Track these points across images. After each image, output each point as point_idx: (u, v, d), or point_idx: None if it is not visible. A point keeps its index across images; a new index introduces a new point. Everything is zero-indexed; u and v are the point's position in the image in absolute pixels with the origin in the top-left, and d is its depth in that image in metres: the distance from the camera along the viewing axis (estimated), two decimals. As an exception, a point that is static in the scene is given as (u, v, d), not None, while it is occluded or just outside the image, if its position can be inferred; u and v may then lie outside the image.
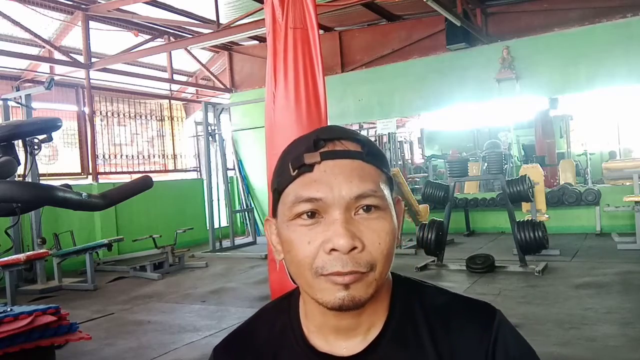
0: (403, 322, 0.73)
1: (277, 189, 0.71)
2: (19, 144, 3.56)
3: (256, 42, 10.39)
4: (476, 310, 0.74)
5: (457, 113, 10.37)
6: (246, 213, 9.91)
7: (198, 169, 11.02)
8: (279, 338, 0.77)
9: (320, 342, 0.74)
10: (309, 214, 0.66)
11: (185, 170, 11.00)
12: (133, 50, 8.66)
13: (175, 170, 10.73)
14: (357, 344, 0.72)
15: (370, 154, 0.70)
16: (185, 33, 9.52)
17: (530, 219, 6.09)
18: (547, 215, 6.81)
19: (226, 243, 8.70)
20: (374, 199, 0.67)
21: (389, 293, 0.74)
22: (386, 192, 0.69)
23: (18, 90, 7.46)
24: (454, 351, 0.70)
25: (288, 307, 0.79)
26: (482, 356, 0.70)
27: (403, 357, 0.71)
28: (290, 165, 0.69)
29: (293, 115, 3.85)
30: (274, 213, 0.73)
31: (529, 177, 6.23)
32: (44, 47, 8.21)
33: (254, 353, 0.78)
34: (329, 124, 4.44)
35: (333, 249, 0.64)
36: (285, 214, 0.69)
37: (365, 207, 0.66)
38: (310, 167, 0.67)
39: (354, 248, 0.64)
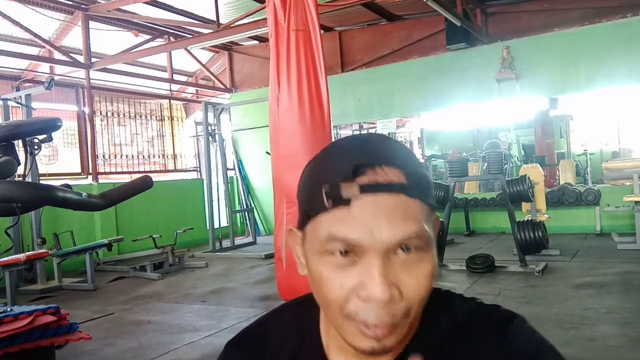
0: (428, 343, 0.69)
1: (307, 213, 0.64)
2: (19, 144, 3.56)
3: (256, 42, 10.39)
4: (495, 318, 0.70)
5: (457, 113, 10.37)
6: (246, 213, 9.92)
7: (198, 169, 11.03)
8: (296, 347, 0.74)
9: None
10: (343, 252, 0.61)
11: (185, 170, 11.00)
12: (133, 50, 8.66)
13: (175, 170, 10.73)
14: None
15: (415, 185, 0.62)
16: (185, 33, 9.52)
17: (530, 219, 6.09)
18: (547, 215, 6.81)
19: (226, 243, 8.70)
20: (416, 240, 0.60)
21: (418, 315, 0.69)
22: (429, 227, 0.62)
23: (18, 90, 7.46)
24: None
25: (308, 315, 0.75)
26: None
27: None
28: (323, 193, 0.61)
29: (297, 117, 3.86)
30: (300, 226, 0.67)
31: (529, 177, 6.23)
32: (44, 47, 8.21)
33: (268, 354, 0.75)
34: (331, 124, 4.44)
35: (369, 298, 0.59)
36: (315, 244, 0.63)
37: (404, 248, 0.60)
38: (347, 201, 0.60)
39: (391, 297, 0.59)
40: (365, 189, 0.60)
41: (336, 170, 0.62)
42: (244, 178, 10.71)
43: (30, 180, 5.71)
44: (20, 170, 3.48)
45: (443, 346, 0.69)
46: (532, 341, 0.68)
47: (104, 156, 9.25)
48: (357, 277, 0.60)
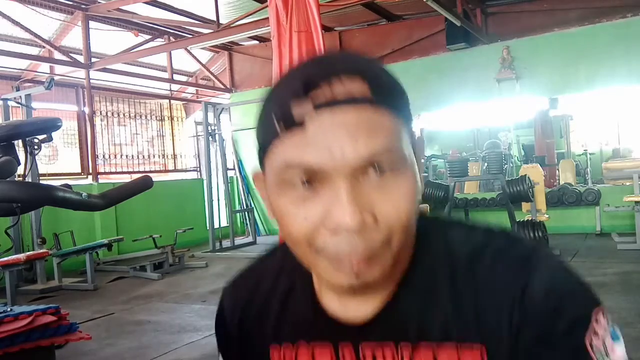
0: (424, 283, 0.60)
1: (262, 146, 0.56)
2: (19, 144, 3.56)
3: (256, 42, 10.39)
4: (509, 254, 0.59)
5: (457, 113, 10.36)
6: (246, 213, 9.92)
7: (198, 169, 11.03)
8: (287, 290, 0.69)
9: (333, 302, 0.63)
10: (304, 182, 0.53)
11: (185, 170, 11.01)
12: (133, 50, 8.66)
13: (175, 170, 10.73)
14: (375, 303, 0.61)
15: (382, 94, 0.53)
16: (185, 33, 9.52)
17: (530, 219, 6.09)
18: (547, 215, 6.80)
19: (226, 243, 8.70)
20: (389, 156, 0.52)
21: (412, 244, 0.60)
22: (404, 142, 0.54)
23: (18, 90, 7.46)
24: (479, 307, 0.57)
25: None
26: (509, 307, 0.56)
27: (420, 321, 0.59)
28: (274, 118, 0.53)
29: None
30: (260, 165, 0.59)
31: (529, 177, 6.23)
32: (44, 47, 8.21)
33: (259, 297, 0.71)
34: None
35: (337, 227, 0.51)
36: (273, 178, 0.55)
37: (376, 167, 0.52)
38: (300, 122, 0.51)
39: (364, 224, 0.51)
40: (321, 105, 0.51)
41: (287, 91, 0.53)
42: (244, 178, 10.70)
43: (30, 180, 5.71)
44: (20, 170, 3.48)
45: (443, 288, 0.59)
46: (556, 284, 0.57)
47: (104, 156, 9.26)
48: (323, 208, 0.52)
